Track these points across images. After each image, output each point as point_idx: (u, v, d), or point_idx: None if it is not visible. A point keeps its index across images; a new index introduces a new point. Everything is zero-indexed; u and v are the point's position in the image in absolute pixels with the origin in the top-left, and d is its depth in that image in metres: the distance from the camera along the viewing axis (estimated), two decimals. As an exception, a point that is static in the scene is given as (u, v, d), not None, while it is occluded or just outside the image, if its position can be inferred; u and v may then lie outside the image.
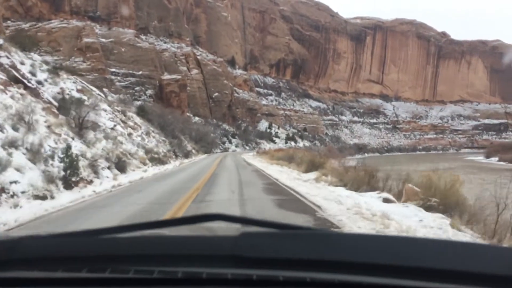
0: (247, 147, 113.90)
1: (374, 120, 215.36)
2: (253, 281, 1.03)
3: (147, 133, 36.65)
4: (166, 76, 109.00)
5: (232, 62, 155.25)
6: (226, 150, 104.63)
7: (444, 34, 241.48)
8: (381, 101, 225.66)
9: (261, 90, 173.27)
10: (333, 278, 0.98)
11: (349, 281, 0.97)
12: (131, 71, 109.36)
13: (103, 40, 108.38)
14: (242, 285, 1.04)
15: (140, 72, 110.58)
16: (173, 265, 1.04)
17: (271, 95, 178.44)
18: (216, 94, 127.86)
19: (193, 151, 60.83)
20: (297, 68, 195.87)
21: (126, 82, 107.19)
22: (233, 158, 49.09)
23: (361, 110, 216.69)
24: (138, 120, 38.68)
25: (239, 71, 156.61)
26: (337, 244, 1.00)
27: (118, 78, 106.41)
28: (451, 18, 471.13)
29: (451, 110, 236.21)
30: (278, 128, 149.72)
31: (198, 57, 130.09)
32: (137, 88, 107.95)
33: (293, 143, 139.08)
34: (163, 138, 41.85)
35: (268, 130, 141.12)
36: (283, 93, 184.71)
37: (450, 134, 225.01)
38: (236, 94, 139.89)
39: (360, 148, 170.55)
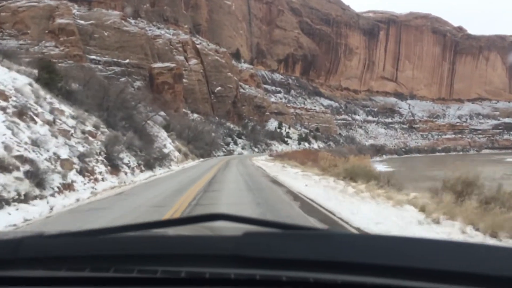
0: (256, 149, 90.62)
1: (389, 120, 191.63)
2: (256, 281, 0.99)
3: (21, 114, 13.38)
4: (158, 64, 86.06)
5: (237, 55, 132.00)
6: (230, 152, 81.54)
7: (460, 29, 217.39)
8: (395, 100, 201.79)
9: (268, 87, 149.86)
10: (336, 279, 0.94)
11: (352, 281, 0.93)
12: (115, 59, 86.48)
13: (82, 22, 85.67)
14: (245, 285, 1.00)
15: (127, 61, 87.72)
16: (176, 265, 1.00)
17: (279, 92, 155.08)
18: (219, 88, 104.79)
19: (178, 155, 37.73)
20: (307, 64, 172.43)
21: (109, 72, 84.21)
22: (243, 170, 25.98)
23: (375, 109, 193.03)
24: (14, 84, 15.40)
25: (244, 65, 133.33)
26: (340, 245, 0.95)
27: (99, 67, 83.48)
28: (465, 11, 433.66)
29: (469, 109, 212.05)
30: (289, 128, 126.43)
31: (198, 46, 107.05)
32: (122, 79, 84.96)
33: (306, 144, 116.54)
34: (91, 129, 18.61)
35: (278, 130, 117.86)
36: (292, 91, 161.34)
37: (469, 134, 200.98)
38: (242, 90, 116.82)
39: (378, 150, 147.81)
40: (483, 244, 0.91)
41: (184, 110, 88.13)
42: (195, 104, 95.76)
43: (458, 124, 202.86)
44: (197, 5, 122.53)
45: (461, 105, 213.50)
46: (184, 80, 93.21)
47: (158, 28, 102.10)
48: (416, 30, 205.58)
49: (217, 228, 1.44)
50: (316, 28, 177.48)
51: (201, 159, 48.54)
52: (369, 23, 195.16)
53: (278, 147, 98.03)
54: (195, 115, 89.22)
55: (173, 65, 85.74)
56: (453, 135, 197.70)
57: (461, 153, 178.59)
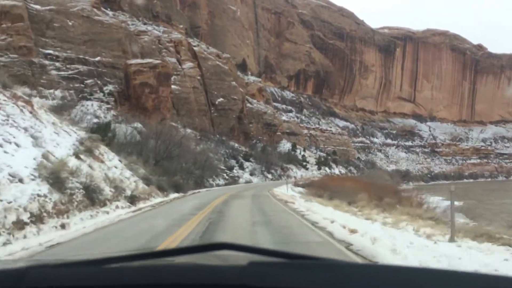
0: (269, 175, 63.86)
1: (410, 143, 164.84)
2: None
3: None
4: (136, 60, 60.52)
5: (243, 66, 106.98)
6: (234, 180, 54.86)
7: (480, 47, 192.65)
8: (414, 122, 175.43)
9: (278, 105, 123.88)
10: None
11: None
12: (81, 56, 61.12)
13: (37, 7, 60.68)
14: None
15: (98, 58, 62.35)
16: None
17: (291, 111, 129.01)
18: (221, 99, 79.09)
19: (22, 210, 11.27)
20: (319, 81, 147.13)
21: (71, 71, 58.79)
22: None
23: (394, 132, 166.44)
24: None
25: (252, 78, 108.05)
26: (346, 274, 0.89)
27: (57, 64, 58.14)
28: (483, 28, 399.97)
29: (492, 132, 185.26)
30: (304, 150, 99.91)
31: (195, 48, 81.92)
32: (89, 81, 59.59)
33: (327, 169, 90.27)
34: None
35: (293, 153, 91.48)
36: (305, 110, 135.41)
37: (495, 158, 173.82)
38: (249, 105, 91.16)
39: (403, 176, 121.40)
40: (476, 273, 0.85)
41: (173, 123, 62.11)
42: (189, 117, 69.91)
43: (483, 148, 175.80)
44: (195, 4, 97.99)
45: (484, 127, 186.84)
46: (175, 86, 67.89)
47: (145, 23, 77.11)
48: (434, 47, 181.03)
49: (222, 256, 1.36)
50: (329, 42, 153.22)
51: (172, 196, 21.96)
52: (385, 39, 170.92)
53: (296, 172, 71.70)
54: (188, 130, 63.00)
55: (157, 61, 60.12)
56: (479, 160, 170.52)
57: (489, 179, 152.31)
